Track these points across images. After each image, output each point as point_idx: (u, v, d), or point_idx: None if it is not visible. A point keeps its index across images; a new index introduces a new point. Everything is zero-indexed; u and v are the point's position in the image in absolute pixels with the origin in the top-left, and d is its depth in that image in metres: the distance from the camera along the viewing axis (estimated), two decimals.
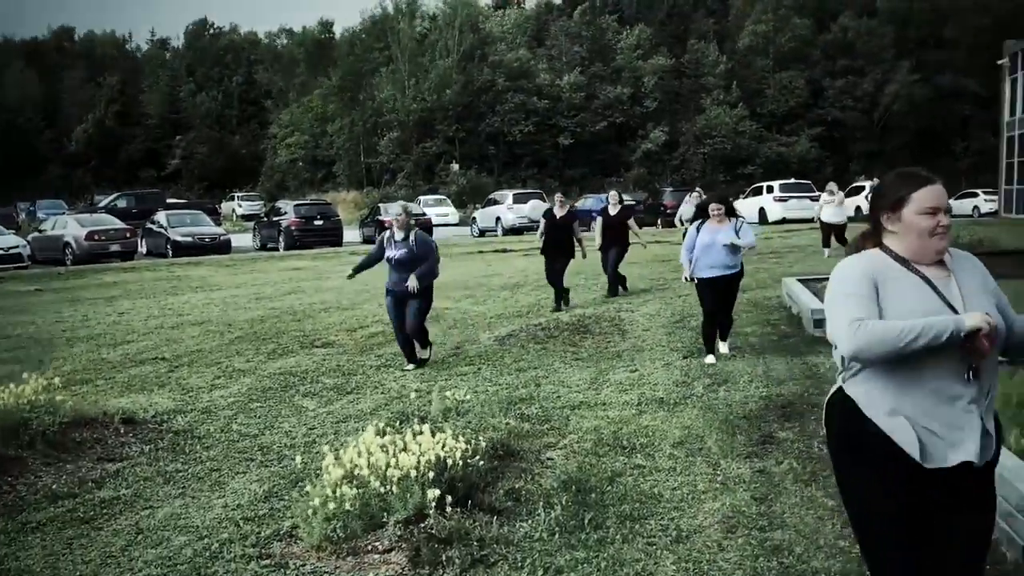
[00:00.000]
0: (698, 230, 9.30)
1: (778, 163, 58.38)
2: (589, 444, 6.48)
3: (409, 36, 66.68)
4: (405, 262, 9.32)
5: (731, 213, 9.43)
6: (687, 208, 17.72)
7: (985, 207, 42.60)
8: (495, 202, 38.47)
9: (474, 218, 39.92)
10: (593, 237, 14.88)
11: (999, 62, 42.62)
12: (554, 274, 13.35)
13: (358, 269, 10.05)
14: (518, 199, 36.20)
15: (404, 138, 62.86)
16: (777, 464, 5.85)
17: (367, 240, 35.38)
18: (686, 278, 9.57)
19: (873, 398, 2.80)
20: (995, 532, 4.36)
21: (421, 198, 47.81)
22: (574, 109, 62.67)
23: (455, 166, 62.06)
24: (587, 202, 40.79)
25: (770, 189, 37.71)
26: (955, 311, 2.76)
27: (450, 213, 45.69)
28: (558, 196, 13.98)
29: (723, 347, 9.64)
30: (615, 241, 14.38)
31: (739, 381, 8.34)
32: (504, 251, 25.94)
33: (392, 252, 9.42)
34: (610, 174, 61.69)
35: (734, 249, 9.23)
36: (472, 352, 10.32)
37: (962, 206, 43.89)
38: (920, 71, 61.30)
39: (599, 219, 14.74)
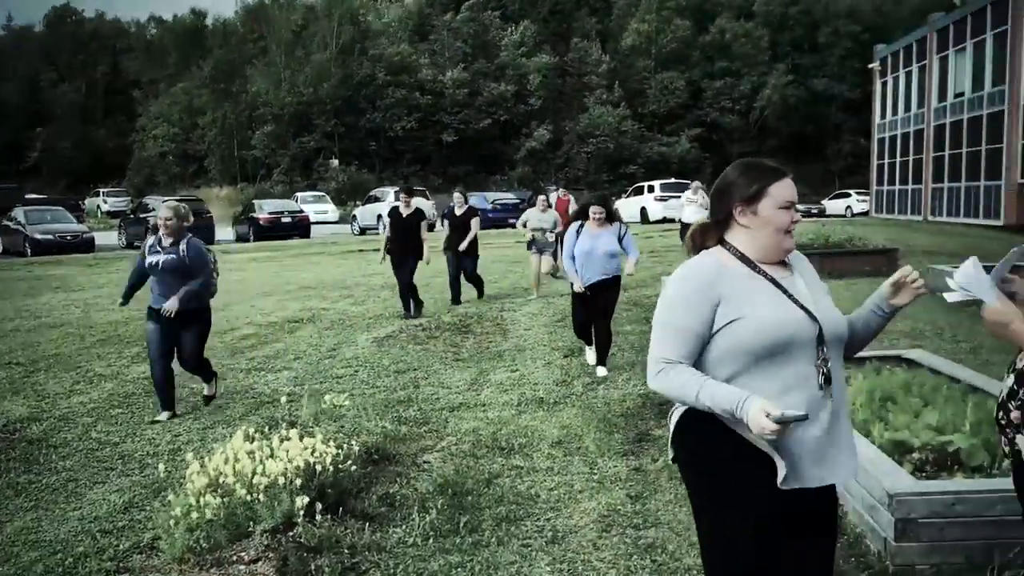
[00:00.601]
0: (577, 233, 8.54)
1: (659, 163, 59.67)
2: (467, 446, 6.48)
3: (286, 27, 65.55)
4: (173, 269, 7.62)
5: (612, 217, 8.74)
6: (534, 214, 14.70)
7: (858, 207, 44.60)
8: (376, 199, 38.08)
9: (354, 216, 39.48)
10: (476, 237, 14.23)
11: (870, 66, 44.62)
12: (403, 277, 12.71)
13: (128, 293, 8.17)
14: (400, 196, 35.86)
15: (279, 132, 61.76)
16: (652, 461, 5.96)
17: (240, 238, 34.61)
18: (580, 288, 8.54)
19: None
20: (859, 525, 4.55)
21: (299, 194, 47.09)
22: (458, 105, 62.68)
23: (334, 162, 61.33)
24: (471, 200, 40.88)
25: (651, 189, 38.47)
26: (808, 313, 2.66)
27: (329, 210, 45.11)
28: (402, 195, 13.19)
29: (600, 371, 8.75)
30: (462, 244, 13.78)
31: (617, 379, 8.47)
32: None
33: (155, 257, 7.68)
34: (494, 172, 62.03)
35: (613, 254, 8.58)
36: (349, 354, 10.19)
37: (835, 206, 45.80)
38: (795, 74, 63.64)
39: (447, 221, 14.14)
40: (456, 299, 13.81)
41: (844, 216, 42.46)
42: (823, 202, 47.17)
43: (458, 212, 14.04)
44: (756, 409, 2.46)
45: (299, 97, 61.55)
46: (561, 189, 17.72)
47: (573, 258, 8.57)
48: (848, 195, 47.05)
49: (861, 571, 4.13)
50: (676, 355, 2.65)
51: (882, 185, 41.76)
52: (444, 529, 4.86)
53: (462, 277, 13.99)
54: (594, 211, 8.64)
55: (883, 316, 2.85)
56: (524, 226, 14.74)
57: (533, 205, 16.16)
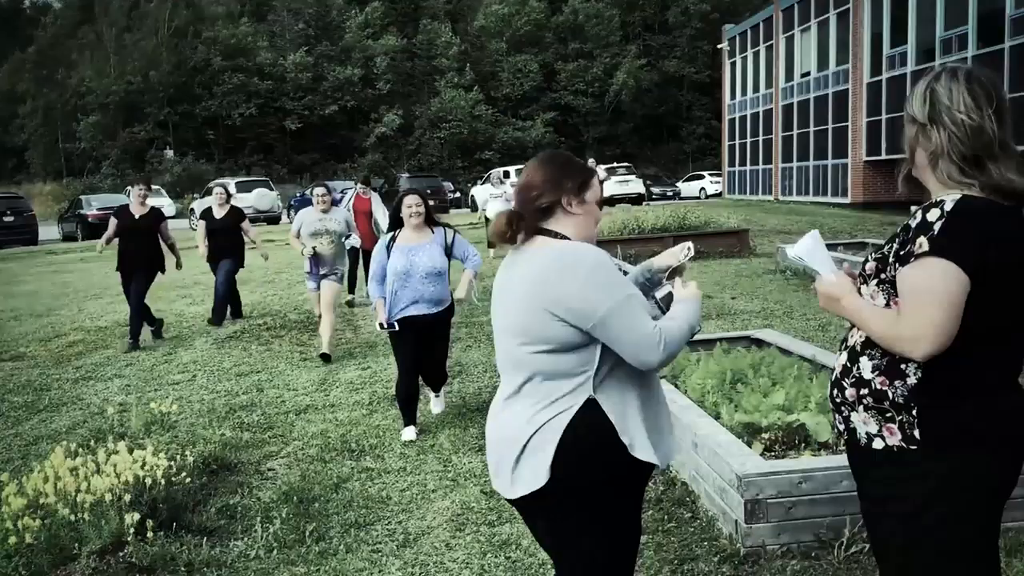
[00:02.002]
0: (388, 248, 6.58)
1: (514, 148, 60.19)
2: (315, 450, 6.37)
3: (117, 10, 63.00)
4: None
5: (432, 219, 6.74)
6: (310, 215, 9.92)
7: (712, 189, 46.10)
8: None
9: (192, 209, 38.37)
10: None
11: (719, 46, 46.12)
12: (134, 296, 10.52)
13: None
14: (241, 188, 35.11)
15: (108, 122, 59.33)
16: None
17: (67, 237, 33.17)
18: (381, 324, 6.59)
19: (628, 411, 2.69)
20: (711, 508, 4.69)
21: (131, 188, 45.43)
22: (301, 91, 61.60)
23: (169, 153, 59.37)
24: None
25: (507, 175, 38.77)
26: None
27: (165, 204, 43.59)
28: (137, 188, 11.07)
29: (436, 404, 7.24)
30: (224, 251, 11.54)
31: (473, 371, 8.50)
32: None
33: None
34: (343, 160, 61.31)
35: (440, 273, 6.62)
36: (187, 358, 9.87)
37: (690, 188, 47.22)
38: (647, 56, 65.19)
39: (201, 223, 11.82)
40: (219, 317, 11.68)
41: (698, 198, 43.81)
42: (678, 184, 48.58)
43: (218, 214, 11.63)
44: (690, 290, 2.87)
45: (129, 84, 59.26)
46: (360, 185, 13.00)
47: (383, 282, 6.57)
48: (702, 177, 48.60)
49: (713, 555, 4.26)
50: (651, 318, 2.67)
51: (734, 166, 43.27)
52: (289, 539, 4.76)
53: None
54: (410, 204, 6.57)
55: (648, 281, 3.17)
56: (298, 236, 9.88)
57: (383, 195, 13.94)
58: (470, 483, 5.52)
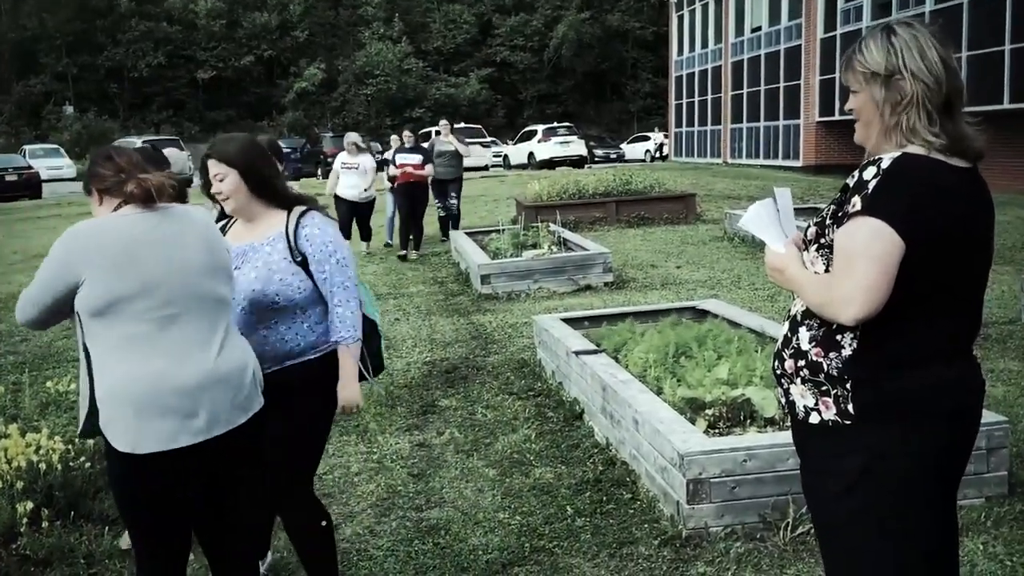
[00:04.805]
0: None
1: (448, 105, 59.81)
2: None
3: None
4: None
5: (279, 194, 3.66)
6: None
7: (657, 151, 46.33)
8: None
9: None
10: None
11: None
12: None
13: None
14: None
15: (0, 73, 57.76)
16: (438, 435, 6.01)
17: None
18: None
19: None
20: (652, 489, 4.74)
21: (27, 147, 44.31)
22: (214, 39, 60.50)
23: (68, 108, 58.00)
24: None
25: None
26: None
27: (64, 166, 42.77)
28: None
29: None
30: None
31: (402, 347, 8.47)
32: None
33: None
34: (261, 117, 60.49)
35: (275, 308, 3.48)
36: None
37: (635, 150, 47.40)
38: (589, 9, 65.09)
39: None
40: None
41: (643, 160, 44.03)
42: (622, 146, 48.73)
43: None
44: None
45: (23, 32, 57.68)
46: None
47: None
48: (647, 139, 48.79)
49: (653, 538, 4.31)
50: None
51: (681, 126, 43.50)
52: None
53: None
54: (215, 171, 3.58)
55: None
56: None
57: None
58: (397, 465, 5.52)
